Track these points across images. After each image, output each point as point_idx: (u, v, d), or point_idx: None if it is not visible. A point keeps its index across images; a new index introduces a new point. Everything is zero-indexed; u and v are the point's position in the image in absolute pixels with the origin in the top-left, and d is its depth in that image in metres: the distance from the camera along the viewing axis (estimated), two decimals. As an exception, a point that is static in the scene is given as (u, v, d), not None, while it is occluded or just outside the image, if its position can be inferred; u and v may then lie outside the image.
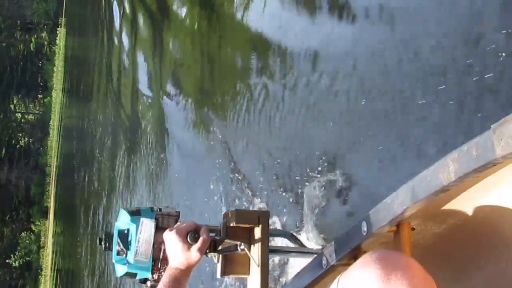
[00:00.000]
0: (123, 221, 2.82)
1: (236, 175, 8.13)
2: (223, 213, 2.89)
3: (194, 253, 2.43)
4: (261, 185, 7.28)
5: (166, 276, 2.39)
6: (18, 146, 49.56)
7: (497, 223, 2.16)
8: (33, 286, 43.41)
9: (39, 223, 44.50)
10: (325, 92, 6.15)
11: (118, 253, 2.76)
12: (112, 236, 2.83)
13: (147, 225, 2.70)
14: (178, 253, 2.44)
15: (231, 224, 2.76)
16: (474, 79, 3.97)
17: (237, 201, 7.84)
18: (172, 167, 12.40)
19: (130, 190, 17.23)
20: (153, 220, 2.73)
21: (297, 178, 6.19)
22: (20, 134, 50.90)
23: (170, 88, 13.84)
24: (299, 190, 6.02)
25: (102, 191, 22.55)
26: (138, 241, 2.69)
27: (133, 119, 18.53)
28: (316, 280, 2.44)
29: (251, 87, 8.33)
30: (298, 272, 2.61)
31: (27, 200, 45.93)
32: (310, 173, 5.87)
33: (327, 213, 5.35)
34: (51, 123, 46.86)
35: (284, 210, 6.29)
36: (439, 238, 2.37)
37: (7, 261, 42.72)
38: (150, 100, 16.17)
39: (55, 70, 49.53)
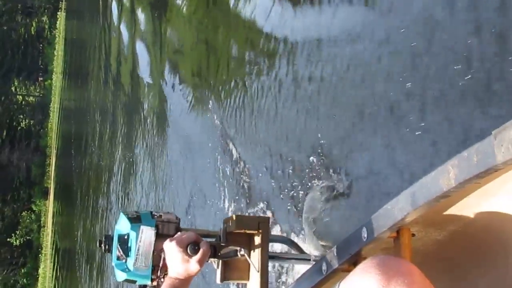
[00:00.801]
0: (123, 225, 2.79)
1: (236, 164, 8.08)
2: (223, 219, 2.86)
3: (193, 265, 2.42)
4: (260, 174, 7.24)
5: (165, 286, 2.37)
6: (19, 128, 49.54)
7: (498, 229, 2.12)
8: (34, 264, 43.59)
9: (39, 203, 44.59)
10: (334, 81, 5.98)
11: (118, 258, 2.73)
12: (112, 238, 2.80)
13: (147, 234, 2.66)
14: (178, 264, 2.42)
15: (231, 230, 2.72)
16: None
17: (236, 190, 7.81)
18: (171, 151, 12.35)
19: (128, 172, 17.21)
20: (153, 228, 2.69)
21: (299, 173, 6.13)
22: (21, 116, 50.85)
23: (168, 73, 13.76)
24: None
25: (101, 173, 22.57)
26: (138, 250, 2.65)
27: (132, 101, 18.50)
28: (316, 286, 2.41)
29: (249, 74, 8.24)
30: (298, 278, 2.57)
31: (28, 180, 46.00)
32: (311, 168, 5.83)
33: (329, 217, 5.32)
34: (51, 105, 46.88)
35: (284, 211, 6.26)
36: (439, 244, 2.34)
37: (8, 239, 42.81)
38: (149, 83, 16.09)
39: (55, 53, 49.45)
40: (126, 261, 2.71)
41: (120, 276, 2.75)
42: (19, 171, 46.24)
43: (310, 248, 5.02)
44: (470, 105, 3.85)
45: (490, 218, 2.09)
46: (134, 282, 2.71)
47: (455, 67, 4.02)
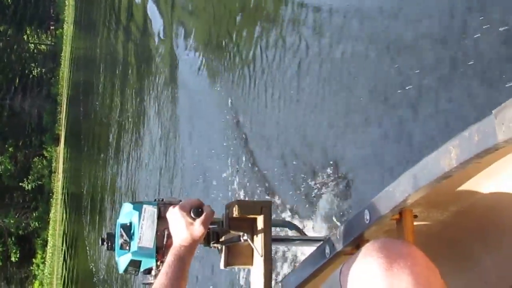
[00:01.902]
0: (125, 213, 2.74)
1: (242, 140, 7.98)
2: (225, 204, 2.80)
3: (198, 227, 2.35)
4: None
5: (170, 255, 2.28)
6: (31, 76, 49.42)
7: (500, 209, 2.09)
8: (45, 208, 43.93)
9: (50, 150, 44.74)
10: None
11: (121, 247, 2.68)
12: (114, 235, 2.74)
13: (150, 211, 2.61)
14: (182, 228, 2.35)
15: (234, 215, 2.67)
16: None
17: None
18: (180, 113, 12.23)
19: (137, 121, 17.17)
20: (155, 206, 2.65)
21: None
22: (33, 65, 50.70)
23: (180, 33, 13.58)
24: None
25: (110, 121, 22.56)
26: (141, 228, 2.60)
27: (142, 54, 18.38)
28: (319, 269, 2.36)
29: (262, 44, 8.03)
30: (301, 262, 2.53)
31: (39, 127, 46.09)
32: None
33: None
34: (62, 54, 46.71)
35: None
36: (442, 225, 2.29)
37: (20, 184, 43.02)
38: (160, 39, 15.90)
39: (67, 2, 49.13)
40: (129, 247, 2.66)
41: (124, 261, 2.69)
42: (31, 118, 46.30)
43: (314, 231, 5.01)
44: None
45: (492, 198, 2.05)
46: (139, 265, 2.65)
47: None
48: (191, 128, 11.04)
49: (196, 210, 2.36)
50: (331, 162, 5.52)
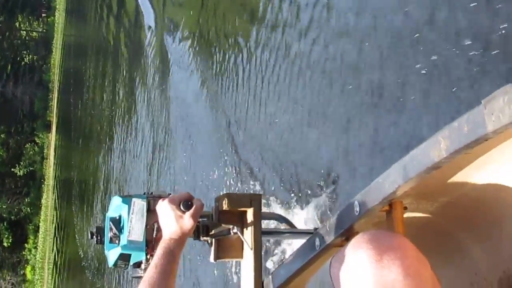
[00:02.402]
0: (114, 206, 2.68)
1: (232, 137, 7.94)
2: (215, 197, 2.75)
3: (187, 220, 2.31)
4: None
5: (160, 249, 2.25)
6: (23, 63, 49.19)
7: (490, 199, 2.06)
8: (37, 193, 43.87)
9: (42, 136, 44.63)
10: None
11: (111, 241, 2.62)
12: (103, 229, 2.68)
13: (139, 205, 2.56)
14: (171, 222, 2.31)
15: (223, 208, 2.63)
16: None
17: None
18: (171, 101, 12.17)
19: (128, 111, 17.11)
20: (145, 200, 2.59)
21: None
22: (25, 52, 50.46)
23: (171, 25, 13.48)
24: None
25: (101, 109, 22.52)
26: (131, 221, 2.55)
27: (134, 44, 18.28)
28: (309, 262, 2.33)
29: (253, 41, 7.94)
30: (291, 254, 2.49)
31: (31, 114, 45.95)
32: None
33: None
34: (54, 41, 46.51)
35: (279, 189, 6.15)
36: (432, 216, 2.27)
37: (12, 170, 42.93)
38: (151, 29, 15.78)
39: (58, -9, 48.91)
40: (119, 241, 2.60)
41: (114, 255, 2.63)
42: (23, 104, 46.13)
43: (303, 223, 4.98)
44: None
45: (482, 188, 2.03)
46: (128, 258, 2.60)
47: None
48: (182, 122, 10.99)
49: (185, 203, 2.33)
50: (322, 158, 5.50)
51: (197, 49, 10.90)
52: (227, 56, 8.88)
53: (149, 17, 16.25)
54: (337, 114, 5.34)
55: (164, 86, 12.91)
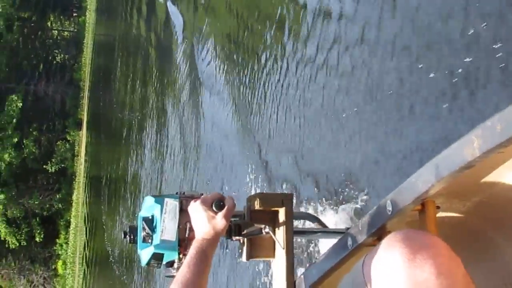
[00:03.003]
0: (147, 206, 2.68)
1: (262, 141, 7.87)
2: (246, 197, 2.74)
3: (219, 221, 2.31)
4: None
5: (192, 248, 2.26)
6: (54, 62, 49.54)
7: None
8: (68, 190, 44.20)
9: (73, 134, 44.94)
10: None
11: (144, 240, 2.62)
12: (136, 228, 2.68)
13: (171, 205, 2.56)
14: (204, 222, 2.32)
15: (255, 208, 2.61)
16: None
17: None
18: (202, 103, 12.10)
19: (158, 112, 17.12)
20: (177, 200, 2.59)
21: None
22: (56, 51, 50.83)
23: (199, 28, 13.39)
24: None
25: (131, 108, 22.54)
26: (164, 221, 2.55)
27: (163, 44, 18.27)
28: (341, 261, 2.31)
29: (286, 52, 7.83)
30: (323, 254, 2.47)
31: (62, 112, 46.27)
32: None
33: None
34: (84, 41, 46.82)
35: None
36: (464, 216, 2.24)
37: (44, 166, 43.24)
38: (182, 38, 15.70)
39: (89, -8, 49.22)
40: (152, 240, 2.60)
41: (147, 254, 2.63)
42: (54, 102, 46.45)
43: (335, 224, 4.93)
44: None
45: None
46: (161, 258, 2.60)
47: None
48: (212, 125, 10.91)
49: (217, 203, 2.32)
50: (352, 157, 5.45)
51: (226, 56, 10.82)
52: (256, 63, 8.79)
53: (178, 20, 16.20)
54: (371, 116, 5.26)
55: (194, 89, 12.85)
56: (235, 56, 10.24)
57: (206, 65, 11.97)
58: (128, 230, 2.70)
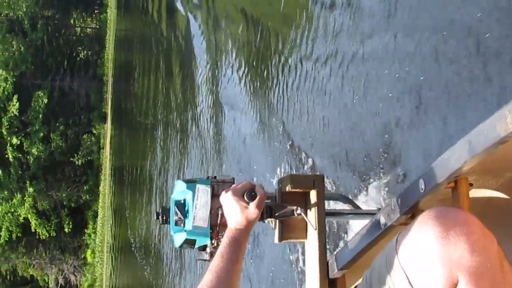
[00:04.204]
0: (179, 191, 2.64)
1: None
2: (278, 179, 2.68)
3: (252, 210, 2.27)
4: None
5: (225, 238, 2.22)
6: (78, 58, 49.75)
7: None
8: (95, 181, 44.48)
9: (98, 127, 45.11)
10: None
11: (176, 224, 2.58)
12: (168, 209, 2.64)
13: (203, 191, 2.51)
14: (236, 212, 2.28)
15: (287, 189, 2.54)
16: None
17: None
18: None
19: (180, 104, 17.10)
20: (209, 186, 2.54)
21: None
22: (80, 48, 51.04)
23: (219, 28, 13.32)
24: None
25: (152, 98, 22.59)
26: (195, 207, 2.50)
27: (183, 42, 18.18)
28: (374, 241, 2.25)
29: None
30: (356, 234, 2.41)
31: (87, 106, 46.47)
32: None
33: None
34: (107, 37, 46.96)
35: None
36: (497, 192, 2.16)
37: (71, 159, 43.52)
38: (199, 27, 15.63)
39: (109, -11, 49.34)
40: (184, 224, 2.56)
41: (179, 238, 2.60)
42: (79, 97, 46.68)
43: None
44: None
45: None
46: (194, 242, 2.57)
47: None
48: (235, 114, 10.82)
49: (249, 193, 2.30)
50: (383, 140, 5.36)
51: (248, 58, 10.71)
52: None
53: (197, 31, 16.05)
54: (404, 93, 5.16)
55: (216, 82, 12.77)
56: (254, 43, 10.18)
57: (226, 56, 11.92)
58: (160, 211, 2.67)
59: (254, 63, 9.90)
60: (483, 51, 4.06)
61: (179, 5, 19.35)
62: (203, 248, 2.56)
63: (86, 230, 45.08)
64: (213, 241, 2.50)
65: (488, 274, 1.51)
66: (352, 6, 6.46)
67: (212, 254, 2.35)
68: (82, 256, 46.12)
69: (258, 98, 9.26)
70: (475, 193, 2.09)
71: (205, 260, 2.50)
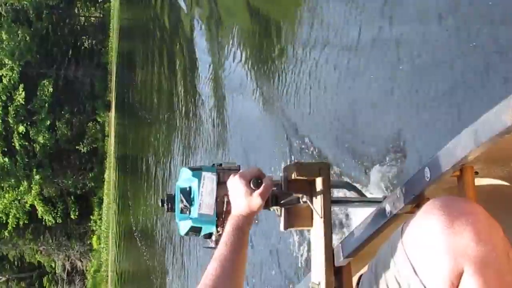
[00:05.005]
0: (184, 178, 2.59)
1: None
2: (283, 166, 2.64)
3: (256, 198, 2.23)
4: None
5: (229, 225, 2.19)
6: (82, 47, 49.68)
7: None
8: (100, 169, 44.54)
9: (103, 115, 45.08)
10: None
11: (181, 211, 2.53)
12: (173, 197, 2.59)
13: (209, 178, 2.47)
14: (241, 198, 2.24)
15: (292, 177, 2.50)
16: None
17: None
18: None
19: (180, 86, 17.05)
20: (215, 173, 2.49)
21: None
22: (84, 37, 50.93)
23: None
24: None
25: (156, 86, 22.56)
26: (201, 195, 2.46)
27: (187, 30, 18.09)
28: (379, 229, 2.24)
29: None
30: (361, 222, 2.39)
31: (92, 94, 46.41)
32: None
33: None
34: (110, 26, 46.89)
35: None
36: (503, 181, 2.15)
37: (77, 147, 43.56)
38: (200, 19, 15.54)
39: (111, -22, 49.22)
40: (189, 212, 2.52)
41: (185, 226, 2.55)
42: (84, 86, 46.63)
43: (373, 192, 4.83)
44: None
45: None
46: (199, 230, 2.52)
47: None
48: (242, 100, 10.73)
49: (256, 180, 2.26)
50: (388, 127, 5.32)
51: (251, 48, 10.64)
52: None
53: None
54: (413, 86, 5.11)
55: (220, 69, 12.68)
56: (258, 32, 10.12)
57: (229, 43, 11.86)
58: (166, 198, 2.62)
59: (258, 50, 9.86)
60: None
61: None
62: (209, 236, 2.52)
63: (91, 217, 45.20)
64: (218, 229, 2.46)
65: (493, 263, 1.50)
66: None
67: (218, 242, 2.32)
68: (88, 242, 46.27)
69: (262, 85, 9.21)
70: (480, 181, 2.08)
71: (211, 248, 2.47)
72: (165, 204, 2.61)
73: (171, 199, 2.60)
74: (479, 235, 1.50)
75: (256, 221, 7.85)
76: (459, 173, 1.95)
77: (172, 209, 2.59)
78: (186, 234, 2.56)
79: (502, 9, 3.98)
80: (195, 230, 2.52)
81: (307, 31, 7.64)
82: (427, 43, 4.87)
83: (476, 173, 1.99)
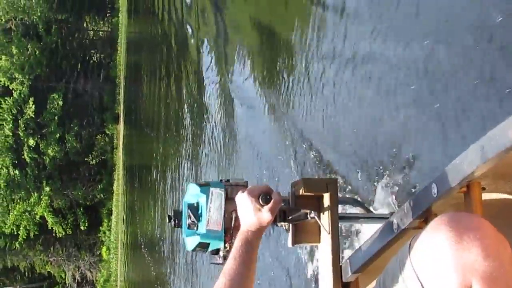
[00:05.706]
0: (192, 194, 2.59)
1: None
2: (291, 182, 2.63)
3: (265, 214, 2.22)
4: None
5: (238, 240, 2.18)
6: (91, 61, 49.88)
7: None
8: (109, 180, 44.58)
9: (111, 127, 45.15)
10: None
11: (189, 227, 2.53)
12: (181, 212, 2.59)
13: (217, 194, 2.46)
14: (250, 214, 2.23)
15: (300, 193, 2.50)
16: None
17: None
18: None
19: (188, 99, 17.04)
20: (223, 189, 2.49)
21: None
22: (93, 51, 51.15)
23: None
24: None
25: (163, 99, 22.58)
26: (209, 210, 2.45)
27: (192, 44, 18.12)
28: (387, 245, 2.22)
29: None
30: (369, 238, 2.38)
31: (100, 107, 46.54)
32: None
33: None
34: (118, 40, 47.06)
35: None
36: (510, 196, 2.12)
37: (86, 159, 43.65)
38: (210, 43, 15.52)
39: (120, -7, 49.42)
40: (197, 228, 2.51)
41: (193, 242, 2.54)
42: (93, 99, 46.78)
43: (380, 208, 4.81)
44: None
45: None
46: (207, 246, 2.51)
47: None
48: (249, 116, 10.72)
49: (264, 196, 2.24)
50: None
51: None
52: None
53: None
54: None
55: (227, 79, 12.65)
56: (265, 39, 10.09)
57: (237, 56, 11.85)
58: (172, 214, 2.61)
59: (266, 64, 9.84)
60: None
61: (187, 9, 19.33)
62: (216, 252, 2.51)
63: (101, 228, 45.22)
64: (226, 245, 2.45)
65: (502, 279, 1.49)
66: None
67: (225, 258, 2.31)
68: (98, 253, 46.28)
69: (269, 99, 9.18)
70: (488, 197, 2.06)
71: (218, 264, 2.46)
72: (172, 220, 2.60)
73: (178, 215, 2.59)
74: (487, 251, 1.49)
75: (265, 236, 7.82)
76: (466, 189, 1.94)
77: (179, 225, 2.57)
78: (194, 249, 2.54)
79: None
80: (203, 246, 2.50)
81: (314, 45, 7.63)
82: (434, 59, 4.86)
83: (483, 188, 1.98)
